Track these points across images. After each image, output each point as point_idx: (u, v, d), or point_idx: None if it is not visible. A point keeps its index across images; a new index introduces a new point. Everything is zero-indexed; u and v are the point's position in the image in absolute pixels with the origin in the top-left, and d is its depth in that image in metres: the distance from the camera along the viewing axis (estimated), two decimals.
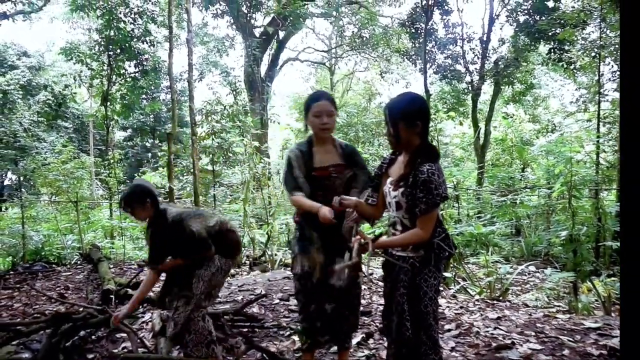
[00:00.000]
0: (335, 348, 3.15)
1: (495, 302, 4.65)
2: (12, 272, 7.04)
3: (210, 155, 10.89)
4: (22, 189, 13.29)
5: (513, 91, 15.05)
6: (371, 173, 2.75)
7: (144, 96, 15.74)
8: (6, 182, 17.03)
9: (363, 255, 2.25)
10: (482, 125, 14.13)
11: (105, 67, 11.71)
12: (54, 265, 7.55)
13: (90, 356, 3.47)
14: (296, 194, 2.78)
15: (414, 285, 2.20)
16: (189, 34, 9.02)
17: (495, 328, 3.65)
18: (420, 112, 2.23)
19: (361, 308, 4.36)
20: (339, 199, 2.45)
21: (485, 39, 13.84)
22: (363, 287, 5.30)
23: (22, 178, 14.43)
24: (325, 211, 2.54)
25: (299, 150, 2.88)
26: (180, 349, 3.19)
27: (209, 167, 11.13)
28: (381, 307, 2.51)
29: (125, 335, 3.70)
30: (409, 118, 2.19)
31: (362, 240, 2.18)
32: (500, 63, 13.74)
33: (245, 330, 3.95)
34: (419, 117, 2.20)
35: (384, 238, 2.25)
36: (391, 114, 2.24)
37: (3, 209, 12.39)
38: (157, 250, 3.14)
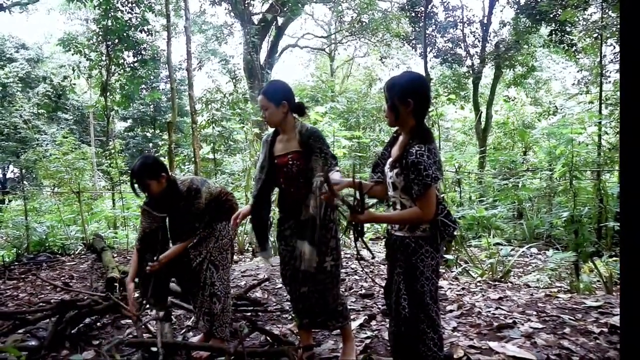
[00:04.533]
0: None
1: (496, 283, 4.67)
2: (17, 263, 7.09)
3: (211, 144, 10.90)
4: (25, 181, 13.34)
5: (514, 74, 14.94)
6: (330, 154, 2.78)
7: (143, 86, 15.71)
8: (9, 175, 17.07)
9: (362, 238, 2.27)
10: (483, 109, 14.08)
11: (103, 58, 11.66)
12: (58, 256, 7.60)
13: (96, 342, 3.49)
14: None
15: (410, 265, 2.21)
16: (186, 21, 8.96)
17: (496, 308, 3.67)
18: (416, 90, 2.21)
19: (363, 291, 4.43)
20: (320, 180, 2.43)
21: (485, 21, 13.73)
22: (366, 270, 5.34)
23: (24, 170, 14.48)
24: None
25: (265, 138, 3.01)
26: (207, 327, 3.22)
27: (210, 156, 11.14)
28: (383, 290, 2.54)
29: (130, 321, 3.74)
30: (402, 95, 2.19)
31: (346, 210, 2.17)
32: (501, 46, 13.65)
33: (249, 314, 3.99)
34: (412, 95, 2.19)
35: (377, 211, 2.25)
36: (387, 90, 2.25)
37: (6, 202, 12.43)
38: (185, 219, 3.17)
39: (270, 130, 3.04)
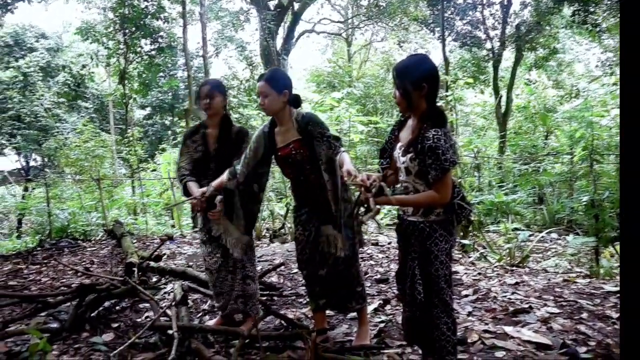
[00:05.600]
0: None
1: (514, 268, 4.62)
2: (39, 249, 7.27)
3: None
4: (47, 169, 13.60)
5: (536, 57, 14.60)
6: (332, 137, 2.74)
7: (161, 74, 15.76)
8: (32, 163, 17.42)
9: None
10: (503, 92, 13.82)
11: (121, 46, 11.73)
12: (79, 241, 7.76)
13: (115, 325, 3.57)
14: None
15: (424, 250, 2.20)
16: (201, 8, 8.96)
17: (513, 293, 3.63)
18: (428, 74, 2.18)
19: (378, 275, 4.42)
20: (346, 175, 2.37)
21: (506, 3, 13.41)
22: (381, 255, 5.33)
23: (46, 159, 14.75)
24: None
25: (262, 130, 2.95)
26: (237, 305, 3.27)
27: None
28: None
29: (148, 305, 3.80)
30: (416, 80, 2.15)
31: (363, 196, 2.15)
32: (522, 28, 13.34)
33: (264, 298, 4.02)
34: (426, 79, 2.15)
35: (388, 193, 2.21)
36: (399, 76, 2.20)
37: (30, 189, 12.71)
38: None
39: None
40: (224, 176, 2.96)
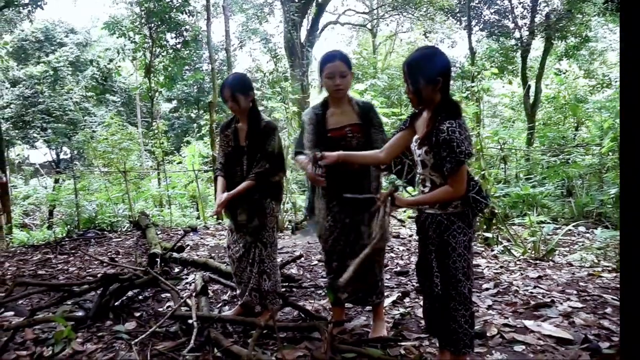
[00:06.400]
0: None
1: (537, 262, 4.52)
2: (67, 239, 7.47)
3: None
4: (76, 162, 13.94)
5: (566, 46, 14.20)
6: (384, 130, 2.76)
7: (186, 67, 15.95)
8: (62, 156, 17.90)
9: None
10: (531, 83, 13.50)
11: (147, 40, 11.89)
12: (105, 232, 7.94)
13: (137, 314, 3.63)
14: (299, 157, 2.80)
15: (442, 242, 2.18)
16: (224, 1, 8.99)
17: (535, 287, 3.55)
18: (442, 67, 2.14)
19: (398, 268, 4.39)
20: (320, 154, 2.44)
21: None
22: (402, 247, 5.29)
23: (75, 151, 15.12)
24: (308, 167, 2.56)
25: (313, 112, 2.86)
26: (257, 300, 3.28)
27: None
28: None
29: (169, 295, 3.86)
30: (430, 74, 2.11)
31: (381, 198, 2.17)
32: (552, 16, 12.98)
33: (283, 289, 4.03)
34: (440, 73, 2.12)
35: (406, 195, 2.23)
36: (411, 71, 2.16)
37: (60, 182, 13.07)
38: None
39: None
40: (306, 159, 2.74)
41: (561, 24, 12.77)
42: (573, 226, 6.16)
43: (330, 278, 2.96)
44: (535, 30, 13.27)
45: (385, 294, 3.48)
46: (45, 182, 15.48)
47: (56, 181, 13.56)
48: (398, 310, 3.33)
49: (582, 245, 5.82)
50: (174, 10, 11.50)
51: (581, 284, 3.58)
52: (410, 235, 5.71)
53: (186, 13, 11.90)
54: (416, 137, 2.26)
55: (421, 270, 2.37)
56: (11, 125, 15.76)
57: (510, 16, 13.42)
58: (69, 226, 8.44)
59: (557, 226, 5.91)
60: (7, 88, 16.48)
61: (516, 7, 13.35)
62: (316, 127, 2.80)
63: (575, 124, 12.64)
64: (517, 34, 13.58)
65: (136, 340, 2.78)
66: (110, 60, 13.60)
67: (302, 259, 4.92)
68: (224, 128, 3.37)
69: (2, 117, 14.47)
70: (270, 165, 3.08)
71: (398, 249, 5.22)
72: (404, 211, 7.54)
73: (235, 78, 3.20)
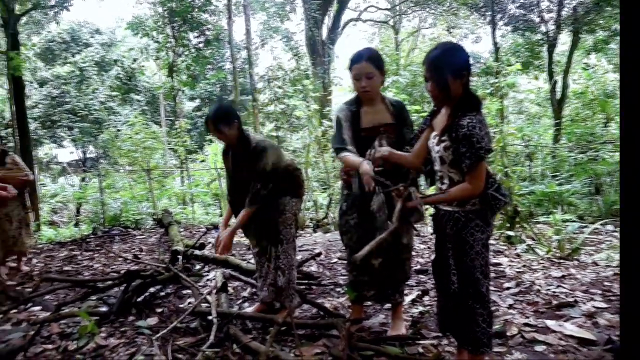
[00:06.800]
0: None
1: (561, 261, 4.42)
2: (92, 236, 7.64)
3: (274, 121, 11.03)
4: (102, 160, 14.23)
5: (595, 39, 13.82)
6: (413, 129, 2.68)
7: (209, 66, 16.10)
8: (88, 155, 18.29)
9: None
10: (558, 78, 13.20)
11: (169, 39, 12.05)
12: (129, 230, 8.09)
13: (159, 310, 3.69)
14: (344, 153, 2.71)
15: (460, 240, 2.15)
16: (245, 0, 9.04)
17: (558, 286, 3.48)
18: (465, 61, 2.11)
19: (418, 266, 4.35)
20: (374, 150, 2.39)
21: None
22: (422, 246, 5.25)
23: (100, 150, 15.43)
24: (365, 165, 2.45)
25: (348, 110, 2.79)
26: (273, 297, 3.30)
27: (274, 133, 11.28)
28: None
29: (190, 291, 3.91)
30: (456, 69, 2.07)
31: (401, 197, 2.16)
32: (579, 9, 12.65)
33: (302, 287, 4.04)
34: (466, 67, 2.09)
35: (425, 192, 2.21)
36: (437, 67, 2.10)
37: (86, 180, 13.37)
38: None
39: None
40: (356, 156, 2.65)
41: (589, 17, 12.44)
42: (600, 225, 5.99)
43: (354, 275, 2.90)
44: (562, 24, 12.96)
45: (406, 292, 3.46)
46: (73, 180, 15.84)
47: (82, 179, 13.86)
48: (417, 308, 3.31)
49: (610, 244, 5.67)
50: (196, 9, 11.64)
51: (606, 283, 3.49)
52: (432, 234, 5.65)
53: (208, 12, 12.04)
54: (434, 133, 2.23)
55: (438, 268, 2.35)
56: (39, 125, 16.19)
57: (536, 10, 13.14)
58: (94, 224, 8.62)
59: (584, 225, 5.76)
60: (35, 88, 16.91)
61: (542, 1, 13.08)
62: (352, 124, 2.75)
63: (605, 120, 12.30)
64: (543, 28, 13.29)
65: (157, 335, 2.82)
66: (134, 60, 13.85)
67: (322, 256, 4.92)
68: (223, 155, 3.38)
69: (31, 117, 14.86)
70: (262, 184, 3.05)
71: (419, 246, 5.17)
72: (426, 209, 7.48)
73: (216, 110, 3.11)
